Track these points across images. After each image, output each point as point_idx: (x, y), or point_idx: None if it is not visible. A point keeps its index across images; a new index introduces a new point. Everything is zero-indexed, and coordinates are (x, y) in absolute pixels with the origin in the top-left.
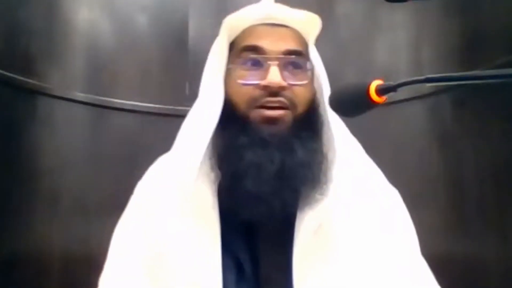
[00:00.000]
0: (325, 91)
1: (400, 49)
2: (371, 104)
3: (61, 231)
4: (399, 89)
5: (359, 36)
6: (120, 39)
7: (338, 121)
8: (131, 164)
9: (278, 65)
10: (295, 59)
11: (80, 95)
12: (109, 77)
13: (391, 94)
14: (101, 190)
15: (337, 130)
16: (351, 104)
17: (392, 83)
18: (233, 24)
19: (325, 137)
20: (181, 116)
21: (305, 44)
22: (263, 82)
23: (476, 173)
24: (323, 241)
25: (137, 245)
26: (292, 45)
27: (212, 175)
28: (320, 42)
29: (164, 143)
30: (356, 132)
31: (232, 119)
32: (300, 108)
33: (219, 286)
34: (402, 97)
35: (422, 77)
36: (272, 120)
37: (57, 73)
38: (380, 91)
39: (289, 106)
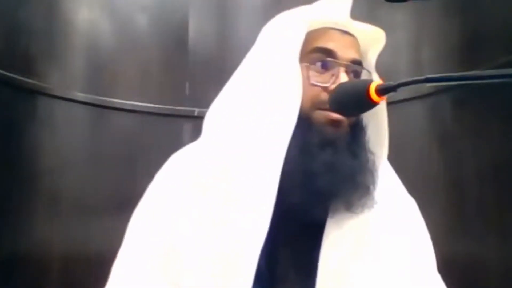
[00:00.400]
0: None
1: (400, 49)
2: (371, 104)
3: (61, 231)
4: (399, 89)
5: None
6: (120, 39)
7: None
8: (131, 164)
9: (347, 72)
10: (357, 68)
11: (80, 95)
12: (109, 77)
13: (391, 94)
14: (101, 190)
15: (381, 139)
16: (351, 103)
17: (392, 83)
18: (313, 19)
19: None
20: (181, 116)
21: (361, 55)
22: (332, 86)
23: (476, 173)
24: (351, 248)
25: (156, 233)
26: (357, 55)
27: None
28: None
29: (164, 143)
30: None
31: (301, 120)
32: (354, 117)
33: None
34: (402, 97)
35: (422, 77)
36: (336, 123)
37: (57, 73)
38: (380, 91)
39: None
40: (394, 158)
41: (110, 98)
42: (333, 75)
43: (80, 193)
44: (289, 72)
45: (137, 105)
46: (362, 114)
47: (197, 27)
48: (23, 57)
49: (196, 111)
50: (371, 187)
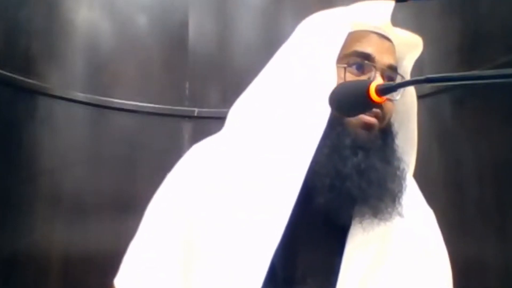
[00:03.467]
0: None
1: None
2: (371, 104)
3: (61, 231)
4: (399, 89)
5: None
6: (120, 39)
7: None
8: (131, 164)
9: (382, 76)
10: (393, 74)
11: (80, 95)
12: (109, 77)
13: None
14: (101, 190)
15: (411, 147)
16: (351, 103)
17: (392, 83)
18: (356, 21)
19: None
20: (181, 116)
21: (396, 61)
22: None
23: (476, 173)
24: (375, 256)
25: (173, 226)
26: (393, 61)
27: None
28: None
29: (164, 143)
30: None
31: (334, 121)
32: (385, 122)
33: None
34: None
35: (422, 77)
36: (368, 126)
37: (57, 73)
38: (380, 91)
39: (381, 118)
40: None
41: (110, 98)
42: (369, 78)
43: (80, 193)
44: (325, 73)
45: (137, 105)
46: (392, 121)
47: (197, 27)
48: (23, 57)
49: (196, 111)
50: (400, 194)
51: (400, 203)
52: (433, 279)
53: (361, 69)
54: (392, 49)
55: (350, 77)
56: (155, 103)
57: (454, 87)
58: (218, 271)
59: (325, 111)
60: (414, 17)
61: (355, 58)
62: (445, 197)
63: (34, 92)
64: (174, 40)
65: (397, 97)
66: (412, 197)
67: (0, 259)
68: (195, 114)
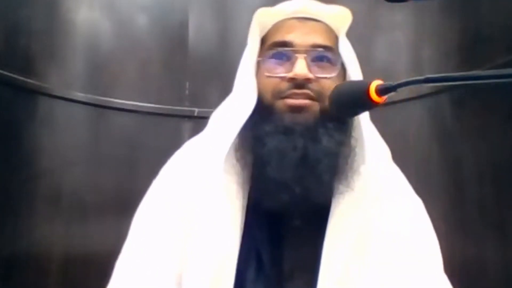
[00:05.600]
0: None
1: (400, 49)
2: (371, 104)
3: (61, 231)
4: (399, 89)
5: (359, 36)
6: (120, 39)
7: (367, 118)
8: (131, 164)
9: (305, 58)
10: (322, 53)
11: (80, 95)
12: (109, 77)
13: (391, 94)
14: (101, 190)
15: (367, 126)
16: (351, 103)
17: (392, 83)
18: (264, 19)
19: (354, 131)
20: (181, 116)
21: (335, 39)
22: (289, 75)
23: (476, 173)
24: (355, 241)
25: (159, 230)
26: (321, 39)
27: (238, 166)
28: None
29: (164, 143)
30: None
31: (259, 111)
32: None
33: (231, 281)
34: (402, 97)
35: (422, 77)
36: (296, 109)
37: (57, 73)
38: (380, 91)
39: (316, 98)
40: (394, 158)
41: (110, 98)
42: (291, 64)
43: (80, 193)
44: (245, 70)
45: (137, 105)
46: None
47: (197, 27)
48: (23, 57)
49: (196, 111)
50: (339, 170)
51: (350, 180)
52: (420, 265)
53: (284, 57)
54: (318, 28)
55: (270, 67)
56: (155, 103)
57: (454, 87)
58: (197, 275)
59: (247, 105)
60: (414, 17)
61: (273, 49)
62: (445, 197)
63: (34, 92)
64: (174, 40)
65: (333, 74)
66: (397, 188)
67: (0, 259)
68: (195, 114)
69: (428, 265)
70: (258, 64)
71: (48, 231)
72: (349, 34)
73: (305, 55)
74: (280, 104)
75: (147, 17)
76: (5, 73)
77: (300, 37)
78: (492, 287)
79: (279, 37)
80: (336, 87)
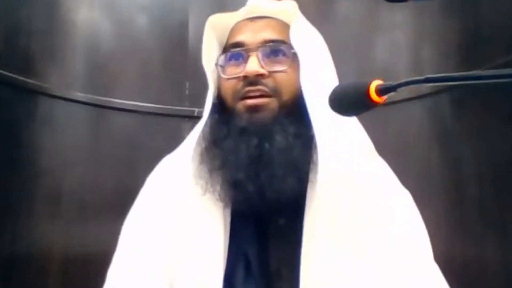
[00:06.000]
0: (307, 76)
1: (400, 49)
2: (371, 104)
3: (61, 231)
4: (399, 89)
5: (358, 36)
6: (120, 39)
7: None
8: (131, 164)
9: (257, 55)
10: (275, 47)
11: (80, 95)
12: (109, 77)
13: (391, 94)
14: (101, 190)
15: (320, 117)
16: (350, 103)
17: (392, 83)
18: (221, 24)
19: (314, 123)
20: (181, 116)
21: (284, 34)
22: (241, 73)
23: (476, 173)
24: (336, 232)
25: (147, 240)
26: (273, 34)
27: (204, 171)
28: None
29: (164, 143)
30: None
31: (223, 114)
32: (286, 96)
33: (219, 285)
34: (402, 97)
35: (422, 77)
36: (253, 108)
37: (57, 73)
38: (380, 91)
39: (272, 94)
40: (394, 158)
41: (110, 98)
42: (246, 63)
43: (80, 193)
44: (208, 76)
45: (137, 105)
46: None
47: (197, 27)
48: (23, 57)
49: (196, 111)
50: (296, 165)
51: (310, 173)
52: (408, 255)
53: (238, 57)
54: (268, 25)
55: (231, 68)
56: (155, 103)
57: (454, 87)
58: (185, 283)
59: (208, 110)
60: (414, 17)
61: (229, 51)
62: (445, 197)
63: (34, 92)
64: (174, 40)
65: (285, 67)
66: (382, 181)
67: (0, 259)
68: (195, 114)
69: (418, 254)
70: (219, 69)
71: (48, 231)
72: (348, 34)
73: (256, 52)
74: (239, 105)
75: (147, 17)
76: (5, 73)
77: (250, 35)
78: (492, 287)
79: (232, 39)
80: (336, 87)
